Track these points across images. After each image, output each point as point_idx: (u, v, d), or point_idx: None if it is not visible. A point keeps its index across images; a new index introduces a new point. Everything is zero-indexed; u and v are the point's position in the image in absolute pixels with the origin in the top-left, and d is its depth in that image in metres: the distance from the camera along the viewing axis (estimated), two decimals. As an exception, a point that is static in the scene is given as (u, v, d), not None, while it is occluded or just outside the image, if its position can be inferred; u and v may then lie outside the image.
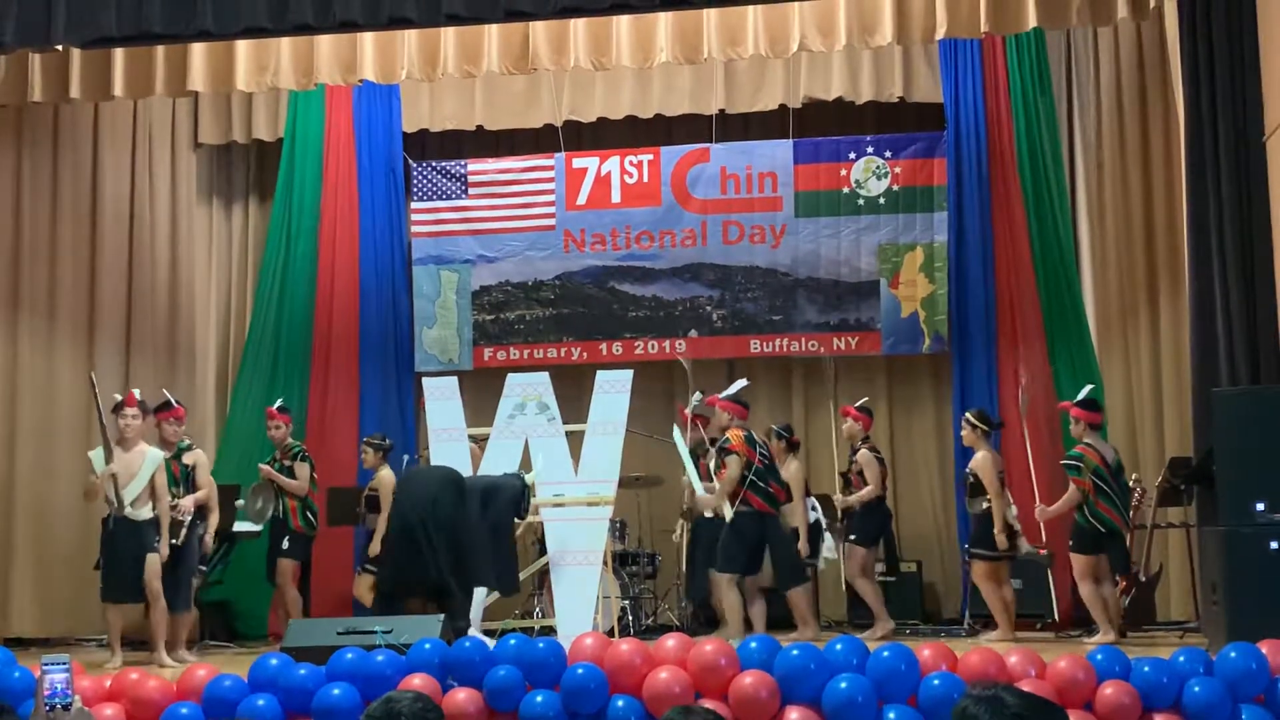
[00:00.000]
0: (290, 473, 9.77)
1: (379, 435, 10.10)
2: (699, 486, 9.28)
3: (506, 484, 8.81)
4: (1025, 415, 9.60)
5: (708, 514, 9.22)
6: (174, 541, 8.53)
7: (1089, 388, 9.12)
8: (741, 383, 9.56)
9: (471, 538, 8.52)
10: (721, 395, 9.38)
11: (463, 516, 8.52)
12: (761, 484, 8.95)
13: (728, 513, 8.94)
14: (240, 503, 9.66)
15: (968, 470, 9.16)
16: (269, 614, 10.16)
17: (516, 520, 8.94)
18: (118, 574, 8.30)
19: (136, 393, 8.62)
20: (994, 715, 2.56)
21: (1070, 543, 8.64)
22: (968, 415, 9.32)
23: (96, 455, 8.40)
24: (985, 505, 8.93)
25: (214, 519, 9.13)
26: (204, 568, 9.31)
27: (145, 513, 8.33)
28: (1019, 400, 9.72)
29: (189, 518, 8.72)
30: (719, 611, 9.24)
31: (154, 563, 8.30)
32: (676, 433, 9.55)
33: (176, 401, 9.01)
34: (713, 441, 9.39)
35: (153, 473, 8.36)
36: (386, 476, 9.65)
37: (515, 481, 8.82)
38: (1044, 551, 9.18)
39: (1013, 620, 8.93)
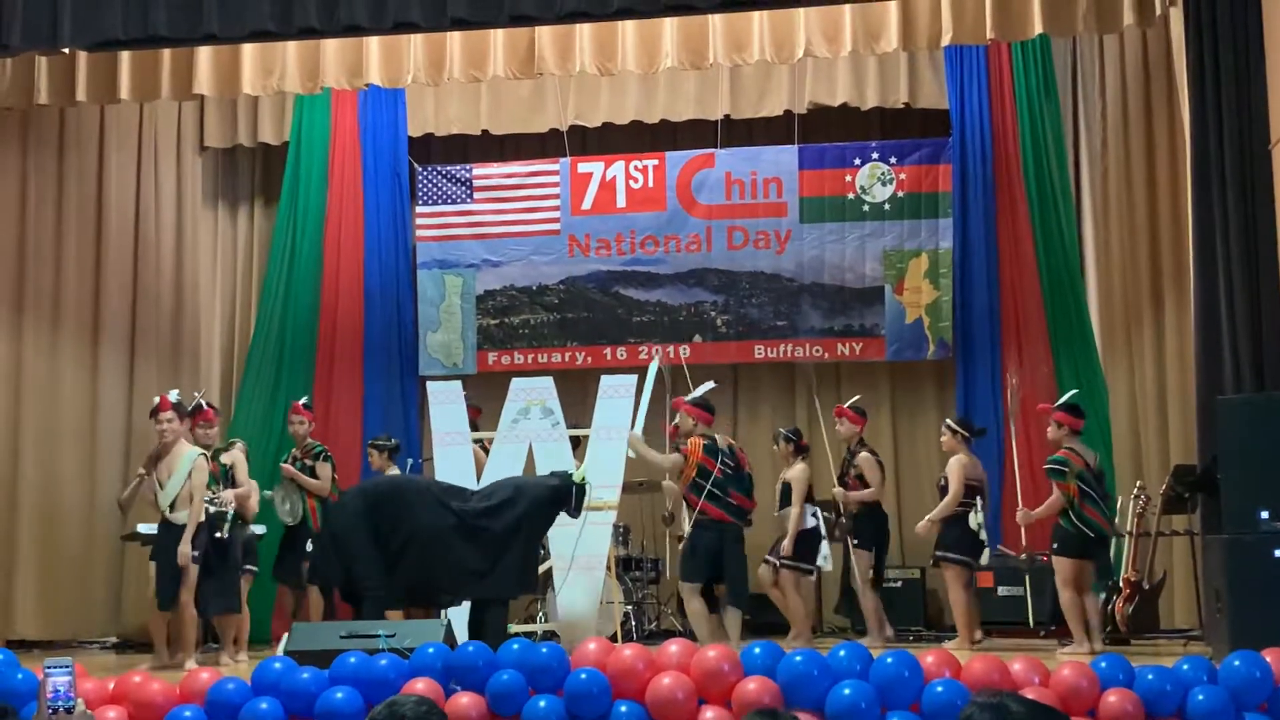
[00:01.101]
0: (312, 472, 9.74)
1: (385, 436, 10.09)
2: (637, 426, 8.98)
3: (531, 488, 8.33)
4: (1013, 416, 9.59)
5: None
6: (218, 535, 8.40)
7: (1072, 392, 9.17)
8: (709, 385, 9.27)
9: (361, 549, 7.94)
10: (687, 398, 9.10)
11: (359, 529, 8.00)
12: (720, 494, 8.70)
13: (685, 525, 8.88)
14: (268, 494, 9.60)
15: (942, 474, 9.16)
16: (271, 617, 10.15)
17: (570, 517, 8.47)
18: (162, 582, 8.25)
19: (172, 395, 8.47)
20: (998, 723, 2.57)
21: (1054, 546, 8.56)
22: (948, 421, 9.31)
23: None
24: (959, 508, 8.91)
25: (252, 517, 9.10)
26: (254, 568, 9.28)
27: (184, 516, 8.18)
28: (1007, 400, 9.71)
29: (230, 509, 8.56)
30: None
31: (190, 576, 8.19)
32: (652, 369, 9.27)
33: (208, 404, 8.98)
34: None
35: (190, 469, 8.21)
36: None
37: (547, 482, 8.38)
38: (1045, 559, 9.17)
39: (975, 625, 8.93)
